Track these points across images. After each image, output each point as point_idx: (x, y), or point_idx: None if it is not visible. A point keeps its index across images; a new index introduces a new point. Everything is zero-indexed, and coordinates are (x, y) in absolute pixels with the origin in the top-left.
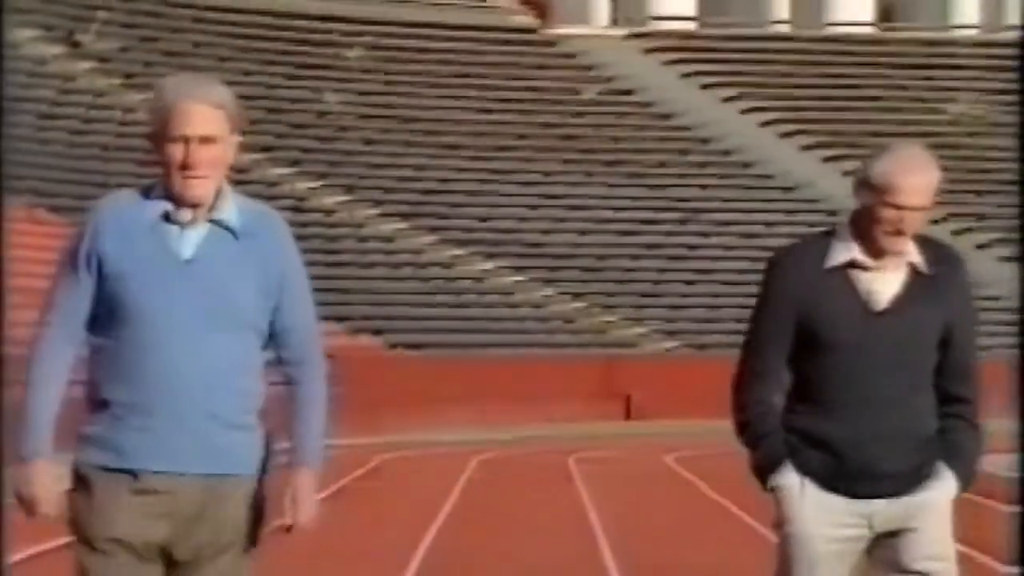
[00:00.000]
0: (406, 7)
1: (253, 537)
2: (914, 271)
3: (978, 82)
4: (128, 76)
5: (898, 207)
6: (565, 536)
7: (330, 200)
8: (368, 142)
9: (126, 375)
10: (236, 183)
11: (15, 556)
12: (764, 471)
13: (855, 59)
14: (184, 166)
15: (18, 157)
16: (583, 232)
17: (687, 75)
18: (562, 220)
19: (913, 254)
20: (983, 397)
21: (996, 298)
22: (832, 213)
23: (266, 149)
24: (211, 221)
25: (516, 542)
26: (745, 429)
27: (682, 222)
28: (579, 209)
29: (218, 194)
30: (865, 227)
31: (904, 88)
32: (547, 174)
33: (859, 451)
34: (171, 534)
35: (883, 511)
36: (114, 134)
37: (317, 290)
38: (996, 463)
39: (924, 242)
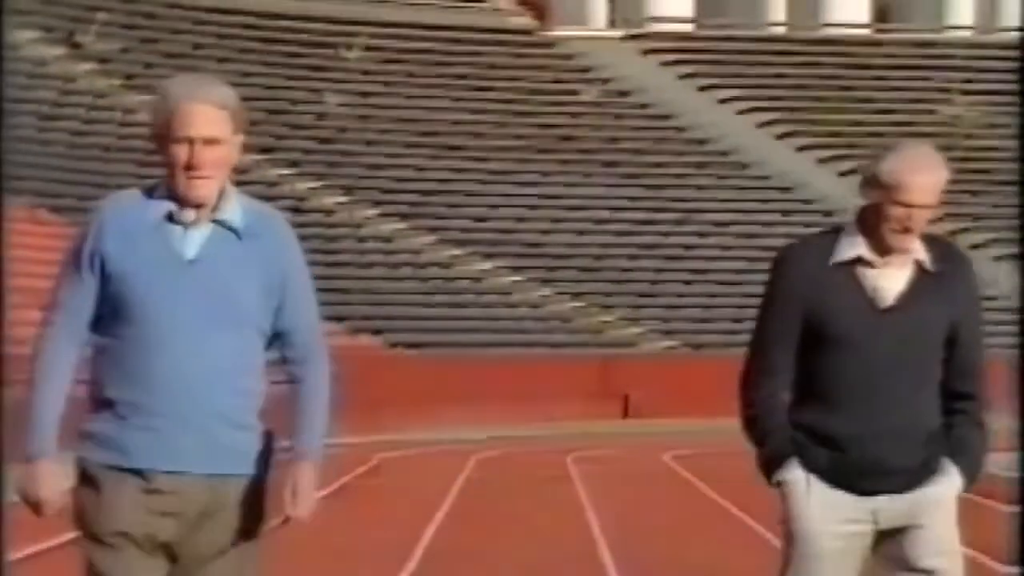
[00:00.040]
0: (405, 9)
1: (256, 537)
2: (920, 269)
3: (973, 83)
4: (128, 77)
5: (906, 205)
6: (563, 534)
7: (329, 200)
8: (367, 143)
9: (130, 375)
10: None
11: (15, 554)
12: (770, 467)
13: (851, 60)
14: (188, 167)
15: (19, 158)
16: (581, 232)
17: (685, 76)
18: (560, 220)
19: (919, 252)
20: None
21: (992, 298)
22: (828, 213)
23: (266, 150)
24: (214, 221)
25: (514, 541)
26: (752, 425)
27: (679, 222)
28: (577, 209)
29: (221, 194)
30: (872, 224)
31: (900, 89)
32: (545, 174)
33: (864, 447)
34: (176, 534)
35: (888, 507)
36: (114, 135)
37: (317, 290)
38: (996, 462)
39: (930, 240)
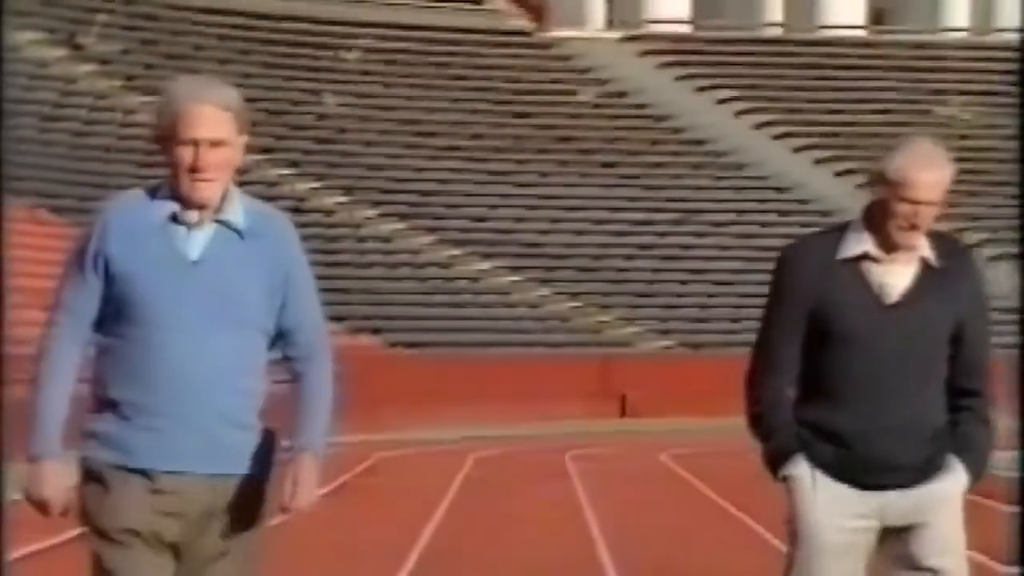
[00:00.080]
0: (404, 10)
1: (258, 536)
2: (925, 265)
3: (968, 84)
4: (129, 78)
5: (913, 202)
6: (561, 533)
7: (329, 201)
8: (367, 144)
9: (133, 375)
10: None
11: (15, 553)
12: (776, 462)
13: (847, 61)
14: (193, 169)
15: (20, 158)
16: (579, 233)
17: (682, 77)
18: (558, 221)
19: (925, 248)
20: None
21: (989, 297)
22: (825, 214)
23: (266, 150)
24: (218, 222)
25: (513, 539)
26: (758, 421)
27: (677, 223)
28: (575, 210)
29: (224, 195)
30: (879, 221)
31: (895, 90)
32: (543, 175)
33: (869, 443)
34: (180, 534)
35: (894, 503)
36: (115, 136)
37: (317, 290)
38: (996, 462)
39: (936, 237)
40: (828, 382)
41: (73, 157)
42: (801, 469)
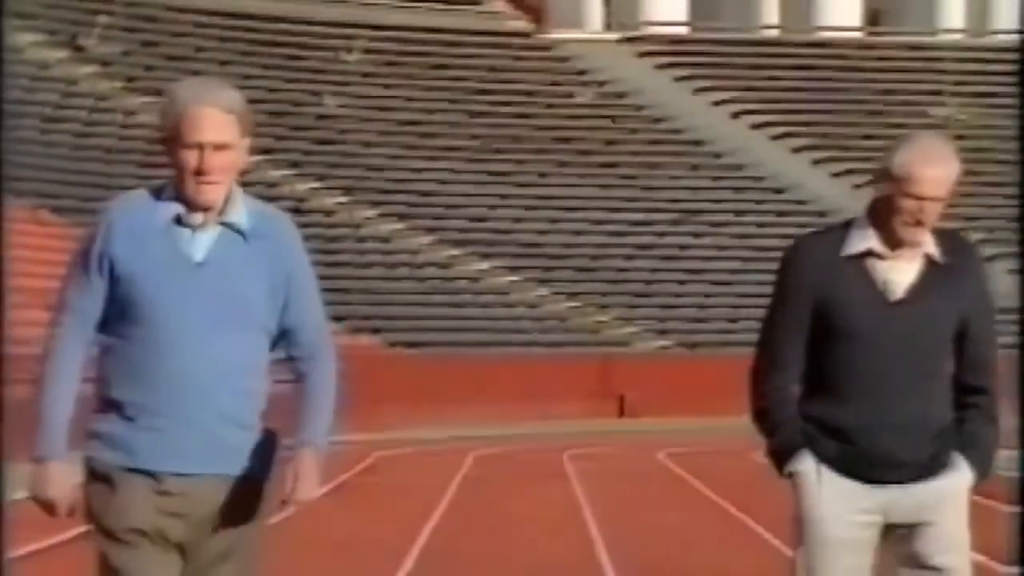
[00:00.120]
0: (403, 12)
1: (259, 536)
2: (930, 262)
3: (964, 86)
4: (130, 80)
5: (918, 197)
6: (559, 531)
7: (329, 201)
8: (366, 144)
9: (138, 376)
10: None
11: (15, 552)
12: (781, 457)
13: (843, 63)
14: (198, 172)
15: (21, 159)
16: (577, 233)
17: (680, 79)
18: (557, 221)
19: (929, 245)
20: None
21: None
22: (822, 214)
23: (266, 151)
24: (222, 223)
25: (511, 537)
26: (762, 417)
27: (675, 223)
28: (574, 210)
29: (228, 196)
30: (884, 217)
31: (892, 91)
32: (542, 176)
33: (873, 439)
34: (186, 534)
35: (898, 499)
36: (116, 137)
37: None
38: (998, 461)
39: (940, 233)
40: (833, 378)
41: (74, 158)
42: (806, 464)
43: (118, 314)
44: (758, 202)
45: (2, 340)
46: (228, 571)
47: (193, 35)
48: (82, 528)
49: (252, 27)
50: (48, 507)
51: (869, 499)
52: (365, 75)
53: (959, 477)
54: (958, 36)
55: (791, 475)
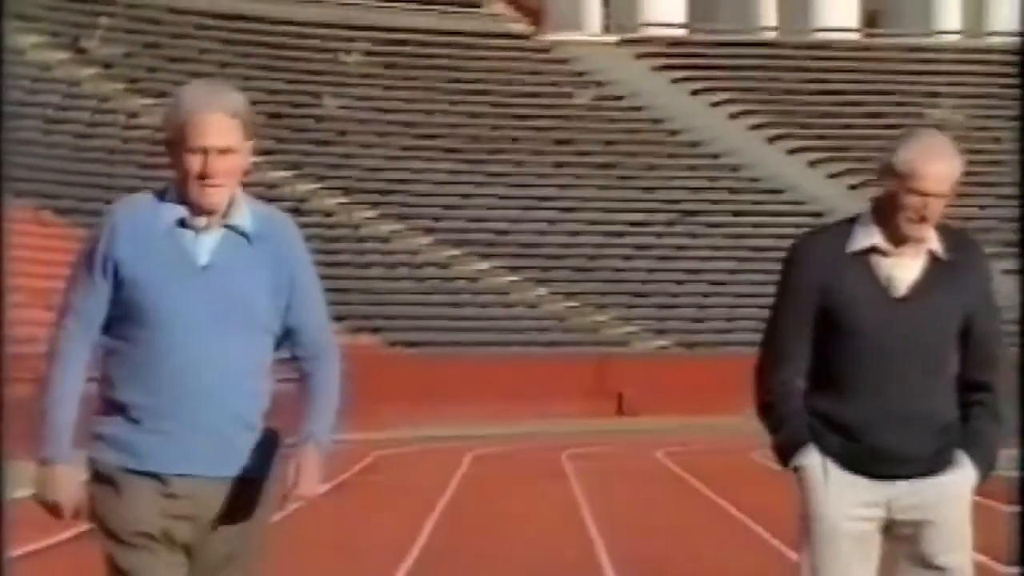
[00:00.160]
0: (403, 14)
1: (262, 536)
2: (933, 258)
3: (960, 87)
4: (132, 81)
5: (921, 193)
6: (558, 530)
7: (329, 202)
8: (366, 146)
9: (142, 378)
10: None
11: (15, 551)
12: (786, 452)
13: (840, 65)
14: (203, 176)
15: (23, 160)
16: (575, 233)
17: (677, 80)
18: (555, 222)
19: (933, 241)
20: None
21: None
22: (818, 215)
23: (267, 152)
24: (225, 226)
25: (510, 536)
26: (768, 411)
27: (672, 223)
28: (572, 211)
29: (231, 199)
30: (888, 213)
31: (888, 93)
32: (540, 176)
33: (877, 435)
34: (192, 537)
35: (902, 495)
36: (118, 138)
37: None
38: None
39: (944, 230)
40: (837, 374)
41: (76, 159)
42: (812, 459)
43: (122, 317)
44: (755, 203)
45: (2, 340)
46: (233, 571)
47: (194, 37)
48: (82, 528)
49: (252, 29)
50: (54, 509)
51: (873, 493)
52: (365, 77)
53: (963, 475)
54: (954, 38)
55: (796, 469)
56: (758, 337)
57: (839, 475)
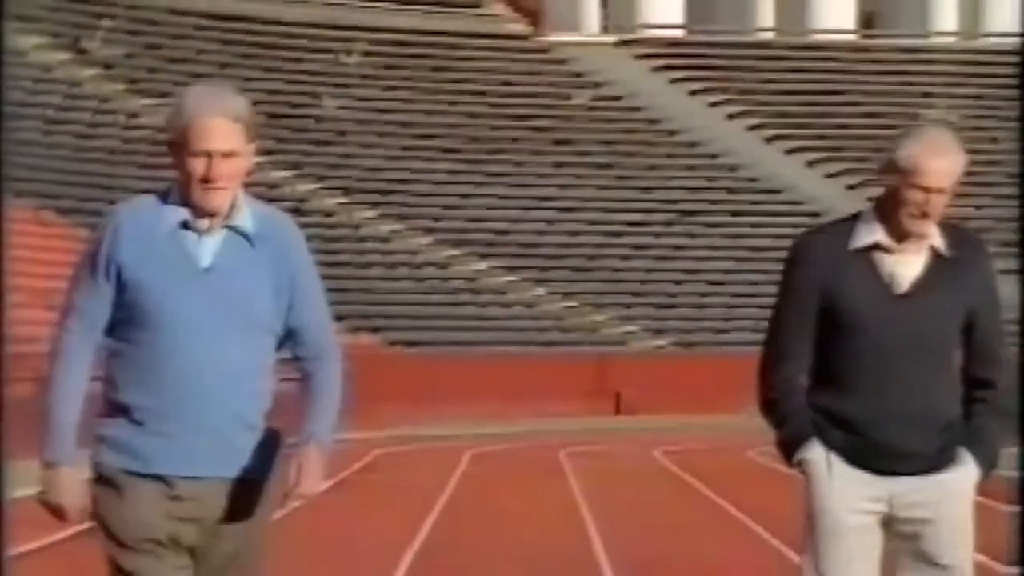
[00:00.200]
0: (402, 15)
1: (265, 535)
2: (936, 255)
3: (955, 88)
4: (132, 82)
5: (924, 189)
6: (556, 528)
7: (329, 202)
8: (366, 146)
9: (146, 380)
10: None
11: (15, 550)
12: (790, 447)
13: (837, 65)
14: (205, 179)
15: (23, 160)
16: (574, 233)
17: (675, 81)
18: (553, 222)
19: (935, 238)
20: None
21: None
22: (815, 215)
23: (267, 153)
24: (227, 227)
25: (509, 534)
26: (771, 407)
27: (670, 223)
28: (570, 211)
29: (233, 201)
30: (890, 210)
31: (885, 93)
32: (539, 177)
33: (879, 431)
34: (198, 538)
35: (904, 492)
36: (119, 138)
37: None
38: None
39: (946, 226)
40: (839, 371)
41: (77, 159)
42: (816, 453)
43: (125, 319)
44: (753, 203)
45: (2, 340)
46: (236, 570)
47: (194, 38)
48: (82, 527)
49: (252, 30)
50: (59, 512)
51: (876, 488)
52: (364, 77)
53: (965, 472)
54: (950, 39)
55: (800, 464)
56: (756, 337)
57: (843, 469)
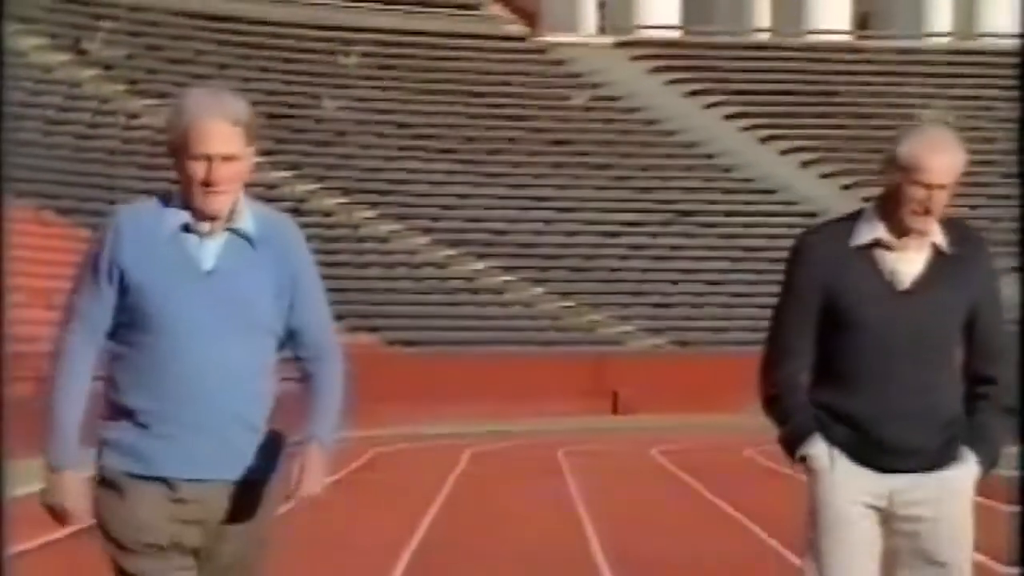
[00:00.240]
0: (401, 16)
1: (267, 536)
2: (937, 252)
3: (950, 89)
4: (132, 83)
5: (926, 185)
6: (554, 527)
7: (328, 202)
8: (365, 146)
9: (148, 383)
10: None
11: (15, 549)
12: (793, 442)
13: (833, 66)
14: (206, 183)
15: (24, 160)
16: (572, 233)
17: (672, 82)
18: (551, 222)
19: (937, 235)
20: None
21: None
22: (811, 215)
23: (266, 153)
24: (228, 230)
25: (507, 532)
26: (773, 404)
27: (667, 223)
28: (568, 211)
29: (234, 203)
30: (892, 207)
31: (880, 94)
32: (537, 177)
33: (881, 428)
34: (201, 541)
35: (905, 489)
36: (119, 139)
37: None
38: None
39: (948, 223)
40: (841, 368)
41: (77, 159)
42: (819, 448)
43: (128, 322)
44: (749, 203)
45: (2, 340)
46: (240, 571)
47: (194, 39)
48: (82, 526)
49: (251, 31)
50: (62, 515)
51: (877, 485)
52: (363, 78)
53: (966, 470)
54: (945, 40)
55: (803, 459)
56: (753, 336)
57: (845, 465)
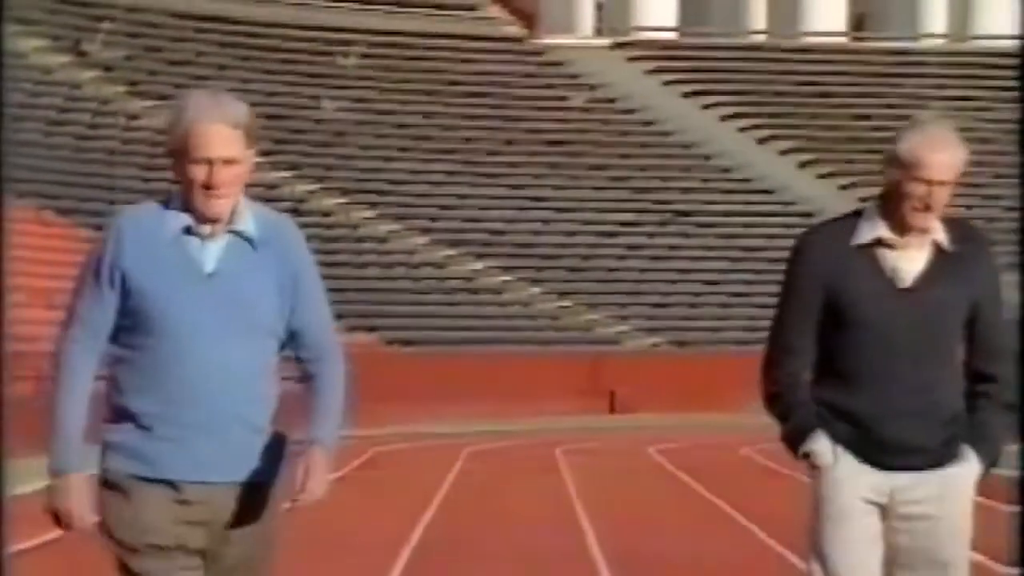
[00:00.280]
0: (400, 17)
1: (273, 538)
2: (939, 250)
3: (945, 90)
4: (132, 84)
5: (926, 182)
6: (552, 524)
7: (327, 202)
8: (364, 147)
9: (152, 386)
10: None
11: (15, 548)
12: (796, 439)
13: (829, 67)
14: (207, 186)
15: (24, 161)
16: (569, 233)
17: (669, 83)
18: (549, 222)
19: (938, 232)
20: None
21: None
22: (807, 215)
23: (266, 154)
24: (230, 232)
25: (505, 530)
26: (775, 401)
27: (664, 224)
28: (565, 211)
29: (235, 205)
30: (893, 204)
31: (875, 95)
32: (535, 177)
33: (883, 426)
34: (208, 542)
35: (906, 486)
36: (119, 140)
37: None
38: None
39: (949, 221)
40: (843, 365)
41: (77, 160)
42: (822, 444)
43: (130, 325)
44: (746, 203)
45: (2, 340)
46: (245, 572)
47: (194, 40)
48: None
49: (251, 32)
50: (67, 518)
51: (879, 481)
52: (362, 79)
53: (968, 468)
54: (940, 41)
55: (807, 455)
56: (749, 336)
57: (849, 461)
